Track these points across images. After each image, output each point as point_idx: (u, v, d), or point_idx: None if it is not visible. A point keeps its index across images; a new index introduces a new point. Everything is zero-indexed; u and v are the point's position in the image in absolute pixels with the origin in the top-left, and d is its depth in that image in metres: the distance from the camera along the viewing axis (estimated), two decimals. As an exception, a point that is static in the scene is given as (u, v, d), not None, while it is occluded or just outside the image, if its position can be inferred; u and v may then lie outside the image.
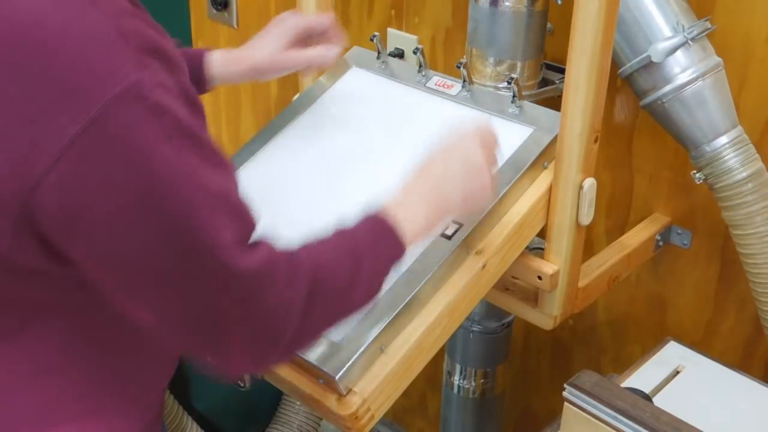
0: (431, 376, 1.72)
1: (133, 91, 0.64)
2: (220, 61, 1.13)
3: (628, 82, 1.17)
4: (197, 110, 0.72)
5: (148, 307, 0.73)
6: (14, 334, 0.78)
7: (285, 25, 1.14)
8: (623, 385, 1.08)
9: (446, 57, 1.50)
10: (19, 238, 0.68)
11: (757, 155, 1.13)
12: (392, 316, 0.96)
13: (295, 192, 1.16)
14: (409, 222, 0.86)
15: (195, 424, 1.67)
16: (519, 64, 1.19)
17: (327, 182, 1.16)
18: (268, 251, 0.75)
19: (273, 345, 0.76)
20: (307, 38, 1.15)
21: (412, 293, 0.98)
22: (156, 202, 0.66)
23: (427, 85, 1.23)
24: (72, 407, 0.81)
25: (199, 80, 1.11)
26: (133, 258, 0.69)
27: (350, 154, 1.19)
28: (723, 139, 1.12)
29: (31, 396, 0.79)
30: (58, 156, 0.63)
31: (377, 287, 0.85)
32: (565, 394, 1.00)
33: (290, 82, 1.64)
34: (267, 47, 1.13)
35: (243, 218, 0.74)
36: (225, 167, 0.73)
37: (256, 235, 0.75)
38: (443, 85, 1.21)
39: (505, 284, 1.17)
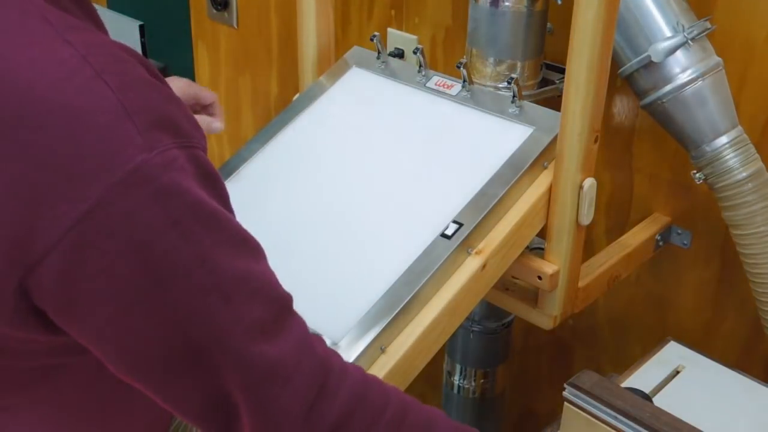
0: (431, 376, 1.71)
1: (137, 175, 0.59)
2: None
3: (628, 82, 1.17)
4: (214, 184, 0.67)
5: (152, 389, 0.69)
6: (7, 405, 0.74)
7: (175, 84, 1.11)
8: (623, 385, 1.08)
9: (446, 57, 1.50)
10: (19, 316, 0.64)
11: (757, 155, 1.13)
12: (392, 316, 0.96)
13: (295, 192, 1.16)
14: None
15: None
16: (519, 64, 1.19)
17: (327, 183, 1.16)
18: (297, 343, 0.69)
19: None
20: (193, 104, 1.15)
21: (412, 293, 0.98)
22: (159, 291, 0.62)
23: (427, 85, 1.23)
24: None
25: None
26: (135, 344, 0.65)
27: (350, 154, 1.19)
28: (723, 139, 1.12)
29: None
30: (56, 242, 0.59)
31: None
32: (565, 394, 1.00)
33: (290, 81, 1.64)
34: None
35: (267, 299, 0.68)
36: (248, 246, 0.68)
37: (296, 323, 0.70)
38: (443, 85, 1.21)
39: (505, 284, 1.17)
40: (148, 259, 0.61)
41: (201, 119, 1.13)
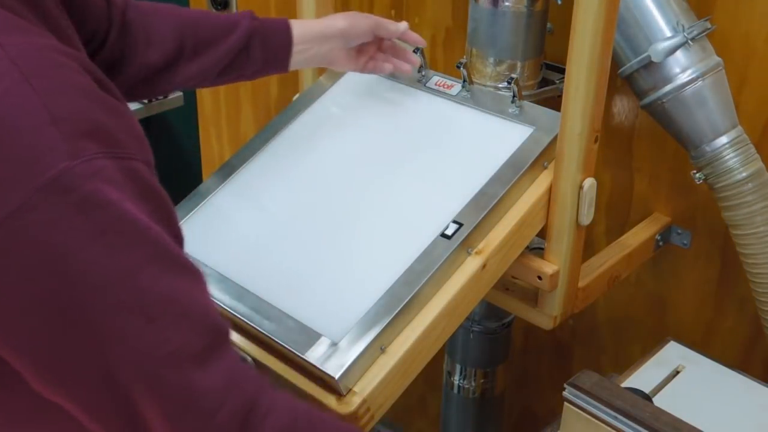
0: (431, 376, 1.71)
1: (59, 182, 0.57)
2: (299, 24, 1.10)
3: (628, 82, 1.17)
4: (151, 199, 0.64)
5: (67, 403, 0.65)
6: None
7: (363, 14, 1.13)
8: (623, 385, 1.08)
9: (446, 57, 1.50)
10: None
11: (757, 155, 1.13)
12: (392, 316, 0.96)
13: (295, 193, 1.16)
14: None
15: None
16: (519, 64, 1.19)
17: (327, 183, 1.16)
18: (227, 375, 0.66)
19: None
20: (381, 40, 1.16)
21: (412, 293, 0.98)
22: (77, 306, 0.60)
23: (427, 85, 1.23)
24: None
25: (283, 38, 1.09)
26: (52, 361, 0.62)
27: (350, 154, 1.19)
28: (723, 139, 1.12)
29: None
30: None
31: None
32: (565, 394, 1.00)
33: (290, 82, 1.64)
34: (344, 15, 1.13)
35: (197, 324, 0.64)
36: (181, 268, 0.65)
37: (223, 349, 0.67)
38: (443, 85, 1.21)
39: (505, 284, 1.17)
40: (67, 271, 0.58)
41: (386, 23, 1.14)
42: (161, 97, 2.43)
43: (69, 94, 0.60)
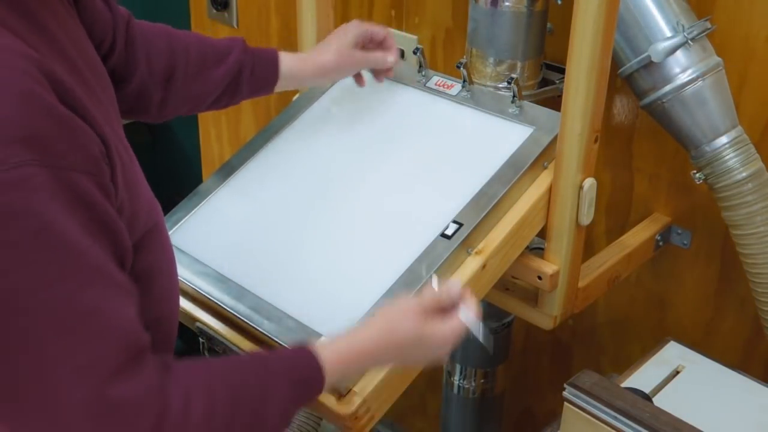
0: (431, 376, 1.72)
1: None
2: (288, 59, 1.14)
3: (628, 82, 1.17)
4: (87, 211, 0.62)
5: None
6: None
7: (347, 30, 1.16)
8: (623, 385, 1.08)
9: (446, 57, 1.50)
10: None
11: (757, 155, 1.13)
12: (392, 316, 0.96)
13: (295, 193, 1.16)
14: (339, 374, 0.82)
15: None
16: (519, 64, 1.19)
17: (327, 183, 1.16)
18: (143, 386, 0.66)
19: None
20: (367, 44, 1.18)
21: (412, 293, 0.97)
22: None
23: (427, 85, 1.23)
24: None
25: (271, 73, 1.12)
26: None
27: (350, 154, 1.19)
28: (723, 139, 1.12)
29: None
30: None
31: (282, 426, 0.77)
32: (565, 394, 1.00)
33: (290, 82, 1.64)
34: (332, 48, 1.15)
35: (114, 340, 0.64)
36: (107, 283, 0.64)
37: (139, 359, 0.66)
38: (443, 85, 1.21)
39: (505, 284, 1.17)
40: None
41: (375, 55, 1.18)
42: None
43: (8, 98, 0.59)
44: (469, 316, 0.88)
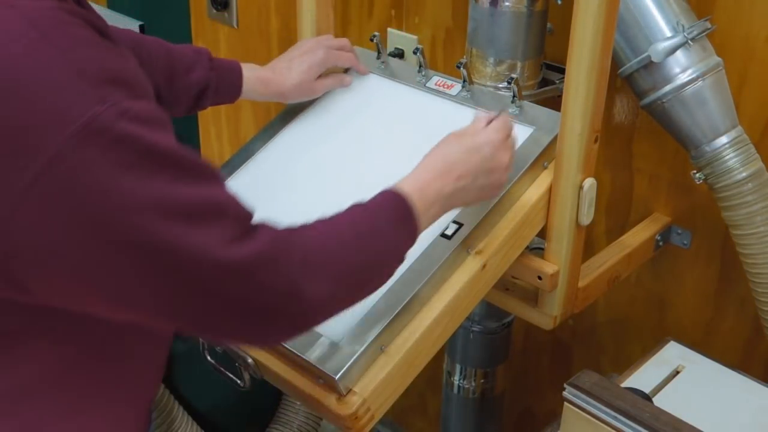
0: (431, 376, 1.72)
1: (92, 125, 0.63)
2: (251, 80, 1.18)
3: (628, 82, 1.17)
4: (165, 127, 0.70)
5: (155, 320, 0.75)
6: (14, 360, 0.77)
7: (315, 59, 1.22)
8: (623, 385, 1.08)
9: (446, 57, 1.50)
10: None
11: (757, 155, 1.13)
12: (392, 316, 0.96)
13: (294, 193, 1.16)
14: (424, 211, 0.88)
15: (195, 424, 1.67)
16: (519, 64, 1.19)
17: (327, 183, 1.16)
18: (267, 236, 0.75)
19: (286, 322, 0.76)
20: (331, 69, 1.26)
21: (412, 293, 0.98)
22: (127, 231, 0.66)
23: (427, 85, 1.23)
24: (68, 421, 0.81)
25: (233, 91, 1.18)
26: (118, 290, 0.69)
27: (350, 154, 1.19)
28: (723, 139, 1.12)
29: (14, 420, 0.79)
30: (21, 198, 0.63)
31: (395, 266, 0.87)
32: (565, 394, 1.00)
33: (290, 82, 1.64)
34: (296, 77, 1.21)
35: (231, 214, 0.73)
36: (202, 172, 0.72)
37: (254, 221, 0.75)
38: (443, 85, 1.21)
39: (505, 284, 1.17)
40: (110, 205, 0.64)
41: (333, 81, 1.26)
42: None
43: (85, 48, 0.65)
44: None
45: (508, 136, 0.98)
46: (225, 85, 1.16)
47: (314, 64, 1.22)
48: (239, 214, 0.74)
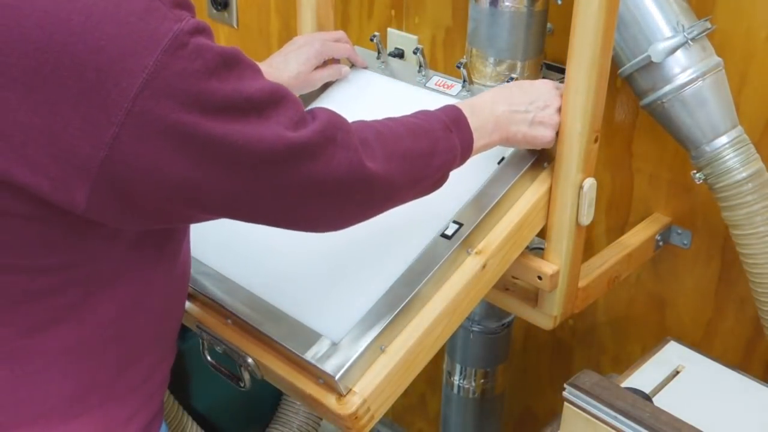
0: (431, 376, 1.72)
1: (177, 41, 0.71)
2: None
3: (628, 82, 1.17)
4: (216, 40, 0.79)
5: (238, 215, 0.83)
6: (45, 323, 0.82)
7: (312, 50, 1.24)
8: (623, 385, 1.08)
9: (446, 57, 1.50)
10: (98, 194, 0.73)
11: (757, 155, 1.13)
12: (392, 316, 0.96)
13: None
14: (477, 128, 0.97)
15: (195, 424, 1.67)
16: (519, 64, 1.19)
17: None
18: (326, 115, 0.83)
19: (359, 195, 0.86)
20: (327, 60, 1.28)
21: (412, 293, 0.98)
22: (217, 127, 0.74)
23: (427, 85, 1.23)
24: (93, 395, 0.87)
25: None
26: (216, 185, 0.76)
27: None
28: (723, 139, 1.12)
29: (61, 382, 0.85)
30: (127, 111, 0.70)
31: (447, 169, 0.95)
32: (565, 394, 1.00)
33: (290, 82, 1.64)
34: (294, 69, 1.23)
35: (288, 102, 0.80)
36: (257, 69, 0.80)
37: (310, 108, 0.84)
38: (443, 85, 1.21)
39: (505, 284, 1.17)
40: (204, 106, 0.73)
41: (330, 71, 1.28)
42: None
43: None
44: None
45: (560, 100, 1.05)
46: None
47: (311, 56, 1.23)
48: (293, 101, 0.81)
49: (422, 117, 0.95)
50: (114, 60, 0.69)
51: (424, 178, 0.93)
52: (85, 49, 0.69)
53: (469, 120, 0.97)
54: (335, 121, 0.84)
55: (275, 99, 0.79)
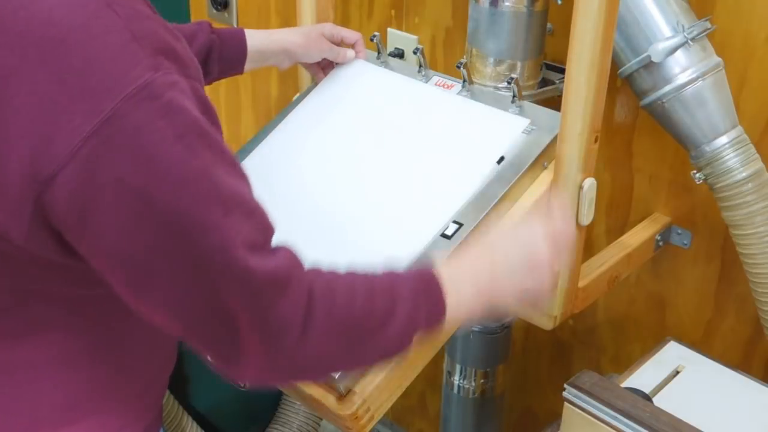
0: (431, 376, 1.72)
1: (145, 91, 0.65)
2: (255, 36, 1.18)
3: (628, 82, 1.17)
4: (211, 115, 0.72)
5: (157, 306, 0.73)
6: (34, 329, 0.79)
7: (321, 26, 1.24)
8: (623, 385, 1.08)
9: (446, 57, 1.50)
10: (35, 230, 0.69)
11: (757, 155, 1.13)
12: (392, 316, 0.96)
13: (294, 192, 1.16)
14: (453, 295, 0.82)
15: (195, 424, 1.67)
16: (519, 64, 1.19)
17: (326, 181, 1.16)
18: (287, 259, 0.74)
19: (278, 355, 0.74)
20: (339, 42, 1.26)
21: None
22: (166, 201, 0.67)
23: (427, 84, 1.23)
24: (85, 405, 0.83)
25: (239, 54, 1.17)
26: (143, 257, 0.69)
27: (348, 153, 1.19)
28: (723, 139, 1.12)
29: (51, 392, 0.81)
30: (72, 153, 0.65)
31: (406, 339, 0.81)
32: (565, 394, 1.00)
33: (290, 81, 1.64)
34: (301, 30, 1.22)
35: (258, 221, 0.73)
36: (239, 172, 0.73)
37: (276, 242, 0.74)
38: (443, 85, 1.21)
39: (505, 284, 1.17)
40: (153, 169, 0.66)
41: (339, 49, 1.25)
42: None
43: (143, 19, 0.69)
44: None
45: (561, 235, 0.89)
46: (229, 46, 1.15)
47: (323, 26, 1.24)
48: (265, 225, 0.74)
49: (388, 278, 0.81)
50: (72, 97, 0.65)
51: (371, 352, 0.81)
52: (48, 78, 0.65)
53: (444, 280, 0.82)
54: (294, 266, 0.75)
55: (245, 210, 0.71)
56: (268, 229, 0.74)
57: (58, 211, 0.67)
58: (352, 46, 1.27)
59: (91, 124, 0.64)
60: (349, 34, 1.26)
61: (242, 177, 0.73)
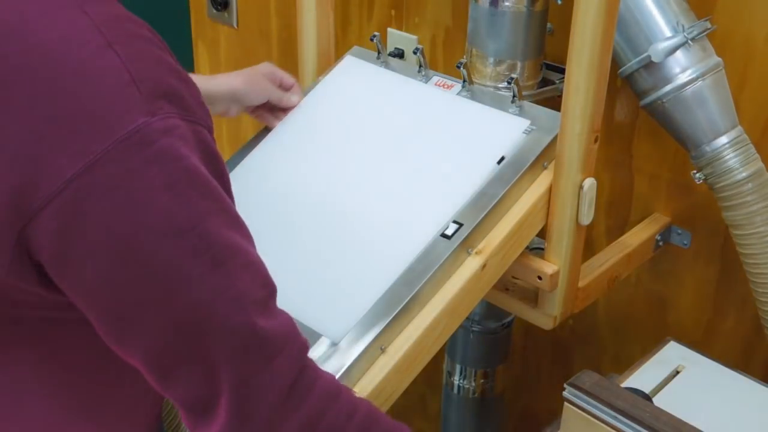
0: (431, 376, 1.71)
1: (137, 136, 0.63)
2: (199, 81, 1.15)
3: (628, 82, 1.17)
4: (214, 162, 0.69)
5: (134, 352, 0.69)
6: (5, 349, 0.75)
7: (260, 66, 1.22)
8: (623, 385, 1.08)
9: (446, 57, 1.50)
10: (17, 263, 0.66)
11: (757, 155, 1.13)
12: (392, 316, 0.96)
13: (293, 192, 1.16)
14: None
15: (195, 424, 1.67)
16: (519, 64, 1.19)
17: (326, 182, 1.16)
18: (286, 324, 0.72)
19: (247, 424, 0.70)
20: (277, 85, 1.23)
21: (412, 293, 0.98)
22: (150, 251, 0.64)
23: (427, 84, 1.23)
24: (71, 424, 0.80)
25: None
26: (123, 304, 0.66)
27: (347, 154, 1.19)
28: (723, 139, 1.12)
29: (24, 417, 0.78)
30: (55, 193, 0.62)
31: None
32: (565, 394, 1.00)
33: (290, 82, 1.64)
34: (242, 73, 1.19)
35: (255, 276, 0.70)
36: (240, 226, 0.70)
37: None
38: (443, 85, 1.21)
39: (505, 284, 1.17)
40: (142, 218, 0.63)
41: (280, 92, 1.22)
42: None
43: (145, 61, 0.66)
44: None
45: None
46: None
47: (262, 67, 1.21)
48: (264, 281, 0.71)
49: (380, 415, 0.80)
50: (62, 137, 0.62)
51: None
52: (39, 115, 0.63)
53: None
54: (292, 333, 0.72)
55: (240, 258, 0.67)
56: (267, 285, 0.71)
57: (39, 246, 0.65)
58: (291, 89, 1.25)
59: (77, 165, 0.62)
60: (287, 78, 1.24)
61: (240, 227, 0.70)
